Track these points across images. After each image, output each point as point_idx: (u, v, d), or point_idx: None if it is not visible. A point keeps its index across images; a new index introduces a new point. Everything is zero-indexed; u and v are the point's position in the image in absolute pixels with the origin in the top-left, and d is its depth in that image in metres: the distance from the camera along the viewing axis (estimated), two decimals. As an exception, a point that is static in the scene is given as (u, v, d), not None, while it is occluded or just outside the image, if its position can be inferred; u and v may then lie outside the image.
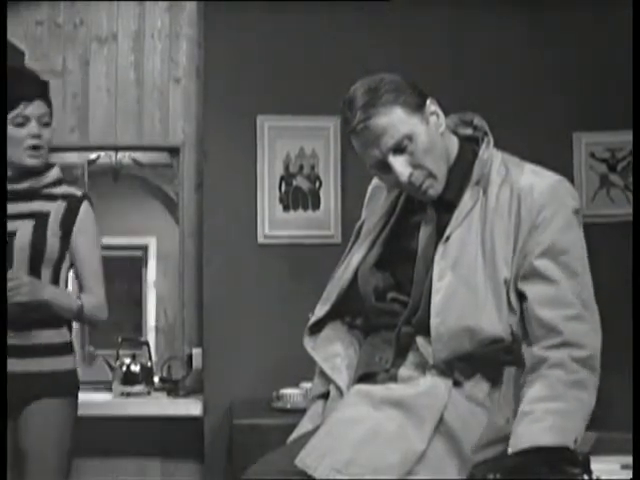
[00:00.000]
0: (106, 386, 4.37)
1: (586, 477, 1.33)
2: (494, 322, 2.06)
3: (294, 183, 4.20)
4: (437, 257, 2.11)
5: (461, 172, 2.19)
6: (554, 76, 4.20)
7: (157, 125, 4.52)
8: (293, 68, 4.18)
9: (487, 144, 2.21)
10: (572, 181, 4.08)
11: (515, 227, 2.10)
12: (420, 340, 2.10)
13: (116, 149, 4.63)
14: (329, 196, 4.19)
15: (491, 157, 2.20)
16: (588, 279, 2.12)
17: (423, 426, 2.01)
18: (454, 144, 2.23)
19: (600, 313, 2.11)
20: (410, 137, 2.09)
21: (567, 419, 1.95)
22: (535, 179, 2.14)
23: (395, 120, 2.08)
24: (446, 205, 2.18)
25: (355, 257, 2.30)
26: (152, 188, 4.80)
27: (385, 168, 2.13)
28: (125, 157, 4.69)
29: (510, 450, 1.90)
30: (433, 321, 2.06)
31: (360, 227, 2.41)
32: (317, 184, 4.20)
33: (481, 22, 4.24)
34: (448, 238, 2.12)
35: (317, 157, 4.19)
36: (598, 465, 1.97)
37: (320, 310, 2.33)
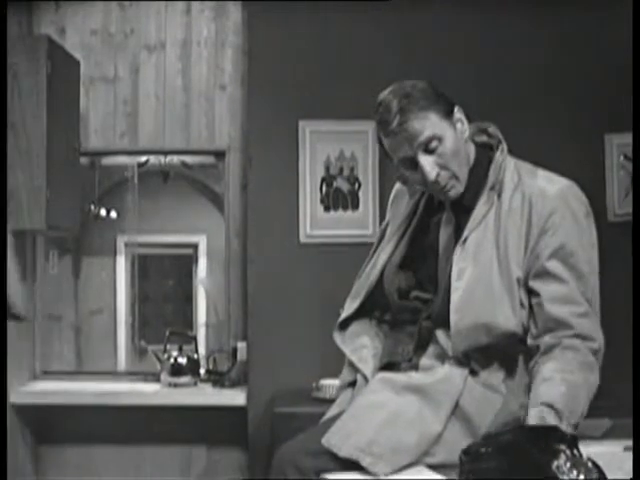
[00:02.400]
0: (155, 377, 4.48)
1: (568, 453, 1.46)
2: (509, 318, 2.20)
3: (334, 184, 4.27)
4: (455, 257, 2.25)
5: (478, 177, 2.33)
6: (586, 77, 4.22)
7: (203, 130, 4.59)
8: (333, 75, 4.24)
9: (501, 151, 2.34)
10: (604, 181, 4.22)
11: (526, 230, 2.23)
12: (440, 333, 2.25)
13: (165, 153, 4.73)
14: (367, 197, 4.26)
15: (505, 163, 2.33)
16: (594, 280, 2.25)
17: (440, 410, 2.17)
18: (472, 150, 2.37)
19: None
20: (440, 139, 2.24)
21: (578, 392, 2.10)
22: (546, 185, 2.27)
23: (428, 124, 2.22)
24: (464, 208, 2.32)
25: (381, 257, 2.45)
26: (201, 188, 4.89)
27: (413, 166, 2.27)
28: (174, 159, 4.79)
29: (529, 407, 2.05)
30: (452, 317, 2.20)
31: (385, 228, 2.56)
32: (356, 185, 4.28)
33: (513, 23, 4.24)
34: (466, 240, 2.26)
35: (356, 159, 4.25)
36: (601, 448, 2.11)
37: (349, 307, 2.50)
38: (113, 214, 4.95)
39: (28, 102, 3.87)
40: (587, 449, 2.04)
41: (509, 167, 2.34)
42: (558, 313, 2.19)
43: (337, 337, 2.51)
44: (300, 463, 2.19)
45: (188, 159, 4.83)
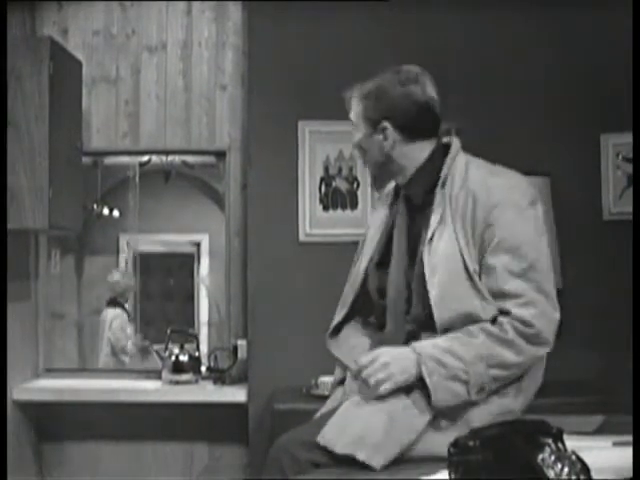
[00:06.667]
0: (156, 375, 4.52)
1: (553, 446, 1.50)
2: (483, 306, 2.28)
3: (333, 184, 4.30)
4: (425, 256, 2.33)
5: (429, 176, 2.42)
6: (582, 77, 4.25)
7: (204, 130, 4.63)
8: (332, 75, 4.18)
9: (453, 150, 2.43)
10: (599, 180, 4.26)
11: (472, 226, 2.31)
12: (425, 335, 2.33)
13: (166, 153, 4.76)
14: (366, 196, 4.29)
15: (455, 161, 2.41)
16: (542, 266, 2.32)
17: (426, 406, 2.26)
18: (425, 152, 2.45)
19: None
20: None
21: (466, 352, 2.23)
22: (489, 179, 2.35)
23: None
24: (415, 207, 2.43)
25: (363, 261, 2.54)
26: (203, 187, 4.91)
27: None
28: (175, 158, 4.82)
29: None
30: (435, 312, 2.28)
31: (366, 233, 2.64)
32: (355, 185, 4.31)
33: (511, 23, 4.28)
34: (432, 238, 2.33)
35: (355, 160, 4.24)
36: (591, 443, 2.15)
37: (339, 315, 2.60)
38: (116, 213, 4.98)
39: (31, 103, 3.89)
40: (578, 444, 2.09)
41: (459, 164, 2.42)
42: (500, 305, 2.28)
43: (331, 344, 2.61)
44: (296, 453, 2.28)
45: (190, 158, 4.86)
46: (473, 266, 2.29)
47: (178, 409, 4.41)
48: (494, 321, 2.28)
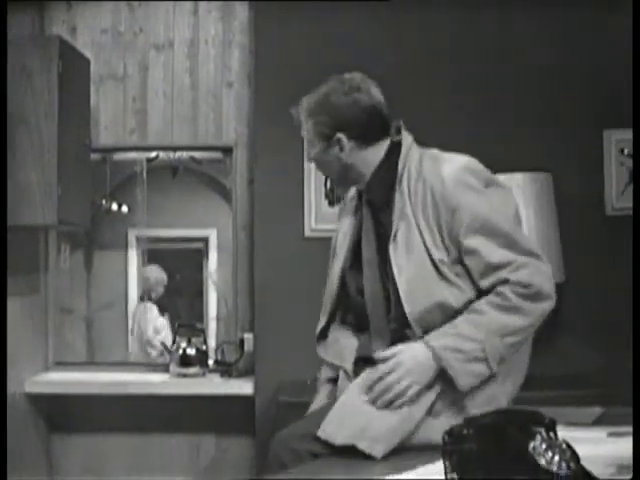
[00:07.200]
0: (164, 368, 4.57)
1: (545, 435, 1.55)
2: (454, 294, 2.34)
3: None
4: (391, 255, 2.38)
5: (386, 175, 2.46)
6: (585, 75, 4.27)
7: (211, 126, 4.67)
8: (337, 73, 4.18)
9: (405, 146, 2.47)
10: (602, 176, 4.29)
11: (435, 217, 2.36)
12: (410, 333, 2.39)
13: (173, 149, 4.80)
14: None
15: (409, 156, 2.45)
16: (517, 232, 2.39)
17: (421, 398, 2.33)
18: (380, 152, 2.50)
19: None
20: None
21: (481, 329, 2.29)
22: (443, 168, 2.39)
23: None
24: (376, 206, 2.47)
25: (335, 267, 2.61)
26: (211, 182, 4.92)
27: None
28: (183, 154, 4.84)
29: None
30: (406, 307, 2.34)
31: (336, 237, 2.69)
32: None
33: (513, 21, 4.30)
34: (395, 236, 2.38)
35: None
36: (587, 433, 2.21)
37: (322, 319, 2.64)
38: (124, 208, 4.99)
39: (40, 100, 3.94)
40: (574, 434, 2.15)
41: (414, 158, 2.46)
42: (491, 281, 2.33)
43: (320, 349, 2.64)
44: (295, 446, 2.34)
45: (197, 154, 4.88)
46: (439, 256, 2.34)
47: (185, 402, 4.46)
48: (490, 292, 2.34)
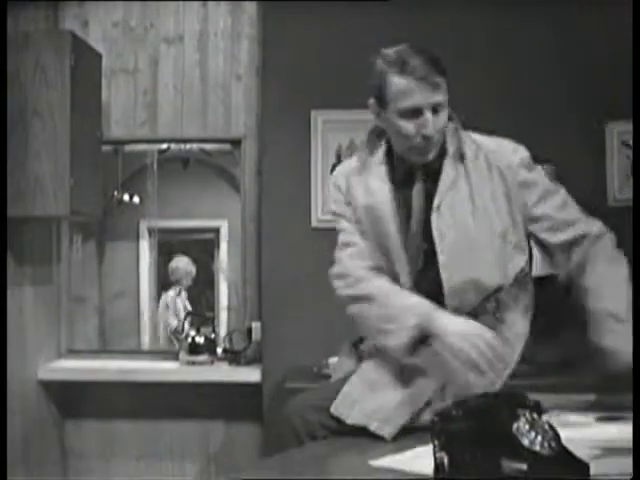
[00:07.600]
0: (174, 356, 4.63)
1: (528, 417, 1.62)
2: (493, 273, 2.43)
3: None
4: (433, 223, 2.44)
5: (441, 146, 2.50)
6: (587, 67, 4.30)
7: (220, 119, 4.71)
8: (344, 66, 4.28)
9: (456, 122, 2.53)
10: (604, 167, 4.31)
11: (503, 185, 2.46)
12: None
13: (183, 141, 4.85)
14: None
15: (459, 133, 2.52)
16: (564, 192, 2.56)
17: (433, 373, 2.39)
18: None
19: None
20: (444, 106, 2.43)
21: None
22: (500, 145, 2.53)
23: (443, 90, 2.41)
24: (432, 176, 2.49)
25: (391, 227, 2.51)
26: (222, 173, 4.96)
27: (414, 116, 2.39)
28: (193, 146, 4.90)
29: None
30: (443, 275, 2.41)
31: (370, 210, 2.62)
32: None
33: (514, 16, 4.34)
34: (439, 206, 2.44)
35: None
36: (577, 418, 2.27)
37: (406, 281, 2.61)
38: (136, 199, 5.04)
39: (53, 93, 4.00)
40: (566, 418, 2.23)
41: (464, 135, 2.53)
42: (569, 234, 2.50)
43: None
44: (306, 415, 2.42)
45: (207, 146, 4.92)
46: (499, 227, 2.44)
47: (195, 389, 4.52)
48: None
